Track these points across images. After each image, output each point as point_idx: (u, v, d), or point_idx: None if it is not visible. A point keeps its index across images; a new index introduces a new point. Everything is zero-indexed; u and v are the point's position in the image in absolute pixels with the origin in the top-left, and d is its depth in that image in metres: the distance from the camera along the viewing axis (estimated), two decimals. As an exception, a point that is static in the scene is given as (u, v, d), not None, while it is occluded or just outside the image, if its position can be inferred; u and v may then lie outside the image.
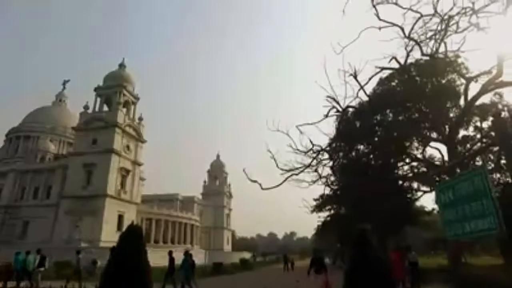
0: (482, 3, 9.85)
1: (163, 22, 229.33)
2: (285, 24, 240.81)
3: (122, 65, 55.19)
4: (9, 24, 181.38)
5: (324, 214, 23.36)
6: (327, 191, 18.68)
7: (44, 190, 49.07)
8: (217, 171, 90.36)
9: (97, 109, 50.48)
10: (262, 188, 13.12)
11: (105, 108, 51.02)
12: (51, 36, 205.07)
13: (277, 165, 13.07)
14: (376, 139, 15.36)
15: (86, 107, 50.40)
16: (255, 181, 13.05)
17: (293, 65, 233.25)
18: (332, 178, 16.96)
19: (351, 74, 12.89)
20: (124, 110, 50.92)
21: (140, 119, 53.51)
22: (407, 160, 16.41)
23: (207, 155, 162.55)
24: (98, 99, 51.05)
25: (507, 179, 13.66)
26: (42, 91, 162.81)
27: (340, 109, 14.04)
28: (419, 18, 11.60)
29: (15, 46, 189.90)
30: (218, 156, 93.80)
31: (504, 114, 13.86)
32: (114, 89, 50.42)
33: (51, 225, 44.47)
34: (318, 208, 21.78)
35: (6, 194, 49.82)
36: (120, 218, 45.08)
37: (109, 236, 41.56)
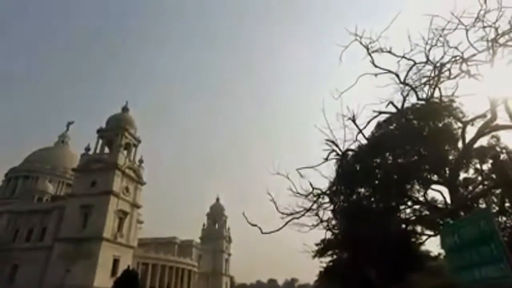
0: (471, 52, 10.38)
1: (162, 68, 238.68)
2: (285, 68, 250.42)
3: (125, 108, 56.60)
4: (15, 65, 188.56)
5: (326, 260, 22.53)
6: (329, 235, 18.21)
7: (38, 232, 47.85)
8: (216, 214, 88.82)
9: (98, 151, 50.92)
10: (262, 232, 12.84)
11: (107, 150, 51.48)
12: (58, 76, 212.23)
13: (277, 209, 12.90)
14: (376, 182, 15.29)
15: (87, 149, 50.89)
16: (255, 225, 12.80)
17: (293, 109, 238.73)
18: (334, 222, 16.61)
19: (349, 118, 13.19)
20: (125, 152, 51.34)
21: (141, 161, 53.76)
22: (409, 203, 16.19)
23: (207, 198, 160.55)
24: (100, 141, 51.70)
25: (512, 222, 13.38)
26: (45, 132, 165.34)
27: (340, 152, 14.16)
28: (413, 65, 12.10)
29: (22, 86, 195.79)
30: (218, 199, 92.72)
31: (503, 156, 13.95)
32: (116, 131, 51.29)
33: (42, 269, 42.76)
34: (320, 253, 21.06)
35: (-2, 236, 48.44)
36: (116, 262, 43.52)
37: (103, 281, 39.82)
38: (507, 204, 12.26)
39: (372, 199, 16.38)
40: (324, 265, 23.50)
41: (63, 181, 70.80)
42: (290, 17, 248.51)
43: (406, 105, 13.53)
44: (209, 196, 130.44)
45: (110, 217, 44.28)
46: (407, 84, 12.50)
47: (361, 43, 12.27)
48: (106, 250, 42.45)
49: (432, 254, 21.70)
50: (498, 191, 12.47)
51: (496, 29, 9.71)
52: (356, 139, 14.07)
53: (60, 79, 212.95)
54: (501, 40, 9.75)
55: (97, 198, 44.63)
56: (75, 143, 78.25)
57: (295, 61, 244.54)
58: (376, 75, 12.57)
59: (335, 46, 12.47)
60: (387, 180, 14.60)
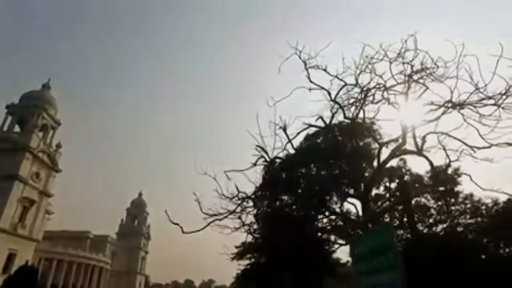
0: (392, 83, 11.59)
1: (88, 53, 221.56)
2: (222, 72, 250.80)
3: (46, 85, 50.89)
4: None
5: (244, 262, 22.90)
6: (250, 238, 18.53)
7: None
8: (137, 210, 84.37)
9: (5, 128, 44.84)
10: (183, 232, 12.52)
11: (17, 129, 45.60)
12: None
13: (201, 209, 12.73)
14: (299, 191, 16.02)
15: (-8, 125, 44.42)
16: (176, 224, 12.43)
17: (228, 113, 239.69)
18: (255, 226, 16.93)
19: (281, 127, 13.68)
20: (40, 134, 46.03)
21: (58, 146, 48.66)
22: (327, 213, 17.28)
23: (129, 193, 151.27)
24: (9, 118, 45.57)
25: (408, 235, 15.10)
26: None
27: (268, 159, 14.56)
28: (343, 86, 13.02)
29: None
30: (140, 194, 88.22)
31: (407, 177, 15.78)
32: (32, 110, 45.71)
33: None
34: (239, 255, 21.32)
35: None
36: (11, 257, 38.40)
37: (-9, 279, 34.81)
38: (405, 219, 13.80)
39: (294, 207, 17.12)
40: (242, 267, 23.85)
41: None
42: (238, 18, 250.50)
43: (333, 121, 14.51)
44: (132, 191, 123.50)
45: (11, 205, 39.09)
46: (336, 102, 13.39)
47: (299, 57, 12.85)
48: (0, 243, 37.31)
49: (341, 262, 23.52)
50: (400, 207, 14.00)
51: (412, 66, 11.03)
52: (285, 148, 14.64)
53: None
54: (415, 77, 11.10)
55: (-2, 182, 39.10)
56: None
57: (237, 64, 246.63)
58: (310, 89, 13.25)
59: (275, 56, 12.84)
60: (310, 190, 15.39)
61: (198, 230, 12.57)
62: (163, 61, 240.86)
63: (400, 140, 12.00)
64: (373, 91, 12.45)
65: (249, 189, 14.58)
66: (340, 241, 18.23)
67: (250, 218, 15.56)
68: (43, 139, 46.47)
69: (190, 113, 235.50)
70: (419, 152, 11.78)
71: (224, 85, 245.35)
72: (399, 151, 12.58)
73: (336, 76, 12.76)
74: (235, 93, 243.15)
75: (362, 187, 14.68)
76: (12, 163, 40.50)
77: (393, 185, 16.37)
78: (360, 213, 14.72)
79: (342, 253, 20.25)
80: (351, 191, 15.65)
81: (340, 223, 17.63)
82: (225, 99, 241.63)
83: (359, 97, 13.12)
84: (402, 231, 14.83)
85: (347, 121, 14.71)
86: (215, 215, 12.92)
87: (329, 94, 13.29)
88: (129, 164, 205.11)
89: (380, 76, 11.74)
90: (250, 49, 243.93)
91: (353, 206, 16.17)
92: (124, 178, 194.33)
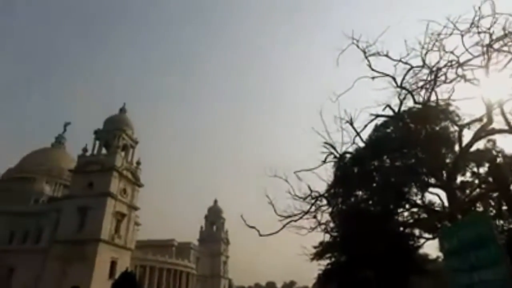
0: (467, 57, 10.48)
1: (161, 67, 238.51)
2: (285, 72, 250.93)
3: (122, 110, 56.49)
4: (11, 62, 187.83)
5: (324, 262, 22.52)
6: (327, 238, 18.24)
7: (34, 234, 47.49)
8: (214, 216, 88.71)
9: (95, 152, 50.78)
10: (260, 235, 12.87)
11: (104, 151, 51.36)
12: (54, 76, 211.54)
13: (275, 211, 12.93)
14: (374, 185, 15.35)
15: (84, 150, 50.69)
16: (253, 227, 12.83)
17: (292, 112, 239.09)
18: (332, 225, 16.65)
19: (347, 121, 13.28)
20: (123, 153, 51.25)
21: (138, 163, 53.57)
22: (407, 206, 16.25)
23: (205, 201, 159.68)
24: (97, 143, 51.54)
25: (510, 225, 13.47)
26: (42, 133, 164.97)
27: (338, 155, 14.23)
28: (409, 69, 12.18)
29: (17, 86, 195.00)
30: (215, 202, 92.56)
31: (499, 160, 14.05)
32: (113, 132, 51.12)
33: (38, 272, 42.47)
34: (318, 255, 21.06)
35: (-5, 238, 48.13)
36: (113, 264, 43.35)
37: (100, 283, 39.68)
38: (504, 208, 12.33)
39: (370, 202, 16.45)
40: (322, 267, 23.51)
41: (60, 183, 70.43)
42: (287, 18, 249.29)
43: (403, 108, 13.63)
44: (207, 199, 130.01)
45: (107, 219, 44.13)
46: (404, 88, 12.58)
47: (358, 46, 12.37)
48: (104, 252, 42.28)
49: (430, 257, 21.79)
50: (495, 194, 12.55)
51: (491, 34, 9.83)
52: (354, 142, 14.16)
53: (57, 80, 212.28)
54: (496, 46, 9.87)
55: (94, 199, 44.45)
56: (72, 144, 78.06)
57: (293, 65, 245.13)
58: (373, 78, 12.66)
59: (331, 49, 12.54)
60: (385, 183, 14.67)
61: (274, 233, 12.80)
62: (232, 65, 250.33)
63: (485, 120, 10.76)
64: (444, 70, 11.43)
65: (321, 188, 14.41)
66: (426, 235, 16.96)
67: (325, 217, 15.37)
68: (125, 158, 51.65)
69: (252, 115, 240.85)
70: (512, 129, 10.44)
71: (281, 85, 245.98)
72: (484, 132, 11.31)
73: (400, 60, 12.00)
74: (292, 92, 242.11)
75: (445, 175, 13.51)
76: (103, 182, 45.78)
77: (482, 170, 14.73)
78: (446, 203, 13.54)
79: (430, 248, 18.72)
80: (432, 181, 14.52)
81: (424, 215, 16.42)
82: (283, 99, 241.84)
83: (428, 79, 12.16)
84: (501, 221, 13.28)
85: (418, 106, 13.73)
86: (289, 216, 13.02)
87: (394, 80, 12.54)
88: (200, 173, 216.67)
89: (451, 52, 10.71)
90: (302, 45, 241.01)
91: (436, 196, 14.94)
92: (198, 187, 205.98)
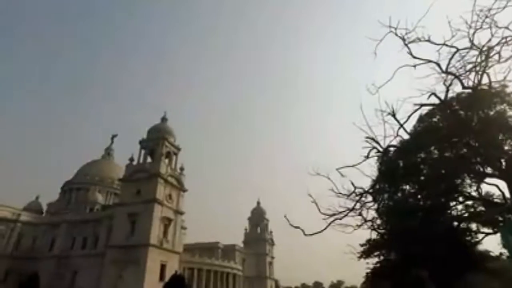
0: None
1: (204, 75, 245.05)
2: (321, 68, 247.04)
3: (164, 119, 58.83)
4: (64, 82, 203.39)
5: (373, 261, 21.66)
6: (374, 235, 17.52)
7: (91, 240, 51.07)
8: (257, 218, 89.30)
9: (141, 160, 53.26)
10: (304, 234, 12.62)
11: (149, 159, 53.71)
12: (100, 92, 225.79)
13: (319, 210, 12.61)
14: (422, 178, 14.51)
15: (131, 159, 53.45)
16: (297, 227, 12.61)
17: (329, 109, 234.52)
18: (378, 221, 15.96)
19: (389, 113, 12.63)
20: (166, 160, 53.28)
21: (182, 169, 55.41)
22: (460, 199, 15.16)
23: (249, 202, 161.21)
24: (143, 151, 54.05)
25: None
26: (94, 145, 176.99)
27: (381, 149, 13.60)
28: (455, 52, 11.32)
29: (69, 102, 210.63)
30: (258, 203, 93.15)
31: None
32: (156, 141, 53.38)
33: (97, 274, 45.45)
34: (366, 254, 20.31)
35: (58, 245, 52.38)
36: (163, 267, 45.13)
37: (152, 285, 41.53)
38: None
39: (419, 196, 15.58)
40: (371, 266, 22.67)
41: (111, 191, 75.10)
42: (317, 10, 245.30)
43: (450, 95, 12.71)
44: (250, 200, 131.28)
45: (155, 224, 46.07)
46: (449, 73, 11.72)
47: (396, 34, 11.75)
48: (154, 256, 44.19)
49: (492, 254, 20.11)
50: None
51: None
52: (397, 135, 13.41)
53: (100, 94, 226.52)
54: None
55: (142, 206, 46.70)
56: (120, 155, 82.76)
57: (324, 58, 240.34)
58: (415, 66, 11.94)
59: (361, 41, 12.03)
60: (434, 175, 13.81)
61: (319, 232, 12.50)
62: (275, 65, 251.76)
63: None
64: (497, 48, 10.46)
65: (365, 184, 13.84)
66: (485, 230, 15.71)
67: (371, 214, 14.77)
68: (169, 164, 53.64)
69: (294, 113, 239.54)
70: None
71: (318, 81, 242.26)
72: (548, 113, 10.21)
73: (444, 44, 11.19)
74: (335, 88, 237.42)
75: (504, 163, 12.42)
76: (150, 189, 47.93)
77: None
78: (507, 194, 12.42)
79: (491, 243, 17.27)
80: (489, 170, 13.41)
81: (481, 208, 15.23)
82: (320, 97, 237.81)
83: (478, 61, 11.22)
84: None
85: (467, 91, 12.74)
86: (334, 214, 12.65)
87: (439, 66, 11.72)
88: (243, 175, 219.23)
89: (506, 28, 9.76)
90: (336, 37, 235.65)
91: (494, 187, 13.75)
92: (241, 189, 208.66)
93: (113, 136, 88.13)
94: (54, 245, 52.63)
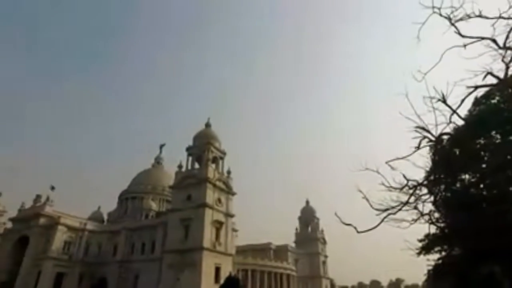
0: None
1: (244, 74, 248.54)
2: (368, 61, 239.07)
3: (208, 124, 60.52)
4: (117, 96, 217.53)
5: (433, 257, 20.32)
6: (433, 229, 16.43)
7: (149, 245, 53.98)
8: (307, 217, 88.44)
9: (189, 167, 55.25)
10: (357, 232, 12.19)
11: (197, 165, 55.54)
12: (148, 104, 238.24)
13: (371, 205, 12.12)
14: (483, 165, 13.36)
15: (180, 166, 55.67)
16: (349, 225, 12.23)
17: (375, 101, 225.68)
18: (436, 215, 14.93)
19: (439, 100, 11.80)
20: (213, 165, 54.71)
21: (228, 172, 56.55)
22: (532, 185, 13.74)
23: (298, 202, 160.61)
24: (190, 158, 56.04)
25: None
26: (145, 154, 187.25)
27: (433, 138, 12.75)
28: (514, 25, 10.31)
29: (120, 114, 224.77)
30: (307, 202, 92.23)
31: None
32: (202, 147, 55.08)
33: (157, 277, 47.93)
34: (425, 250, 19.10)
35: (120, 250, 56.08)
36: (217, 270, 46.35)
37: (208, 287, 42.78)
38: None
39: (481, 185, 14.37)
40: (432, 263, 21.32)
41: (163, 198, 78.91)
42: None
43: (510, 72, 11.59)
44: (299, 200, 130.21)
45: (207, 228, 47.48)
46: (509, 48, 10.70)
47: (440, 14, 10.98)
48: (208, 259, 45.56)
49: None
50: None
51: None
52: (450, 121, 12.47)
53: (148, 106, 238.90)
54: None
55: (193, 211, 48.42)
56: (169, 162, 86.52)
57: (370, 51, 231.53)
58: (465, 46, 11.05)
59: (403, 27, 11.38)
60: (498, 162, 12.65)
61: (373, 228, 11.99)
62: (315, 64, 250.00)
63: None
64: None
65: (419, 176, 13.05)
66: None
67: (428, 207, 13.88)
68: (216, 169, 55.03)
69: (339, 110, 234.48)
70: None
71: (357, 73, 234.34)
72: None
73: (500, 16, 10.24)
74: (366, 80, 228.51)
75: None
76: (200, 194, 49.55)
77: None
78: None
79: None
80: None
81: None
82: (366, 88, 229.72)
83: (543, 31, 10.12)
84: None
85: (531, 66, 11.52)
86: (387, 209, 12.09)
87: (495, 42, 10.74)
88: (291, 176, 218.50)
89: None
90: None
91: None
92: (291, 189, 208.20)
93: (161, 146, 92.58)
94: (117, 251, 56.45)
